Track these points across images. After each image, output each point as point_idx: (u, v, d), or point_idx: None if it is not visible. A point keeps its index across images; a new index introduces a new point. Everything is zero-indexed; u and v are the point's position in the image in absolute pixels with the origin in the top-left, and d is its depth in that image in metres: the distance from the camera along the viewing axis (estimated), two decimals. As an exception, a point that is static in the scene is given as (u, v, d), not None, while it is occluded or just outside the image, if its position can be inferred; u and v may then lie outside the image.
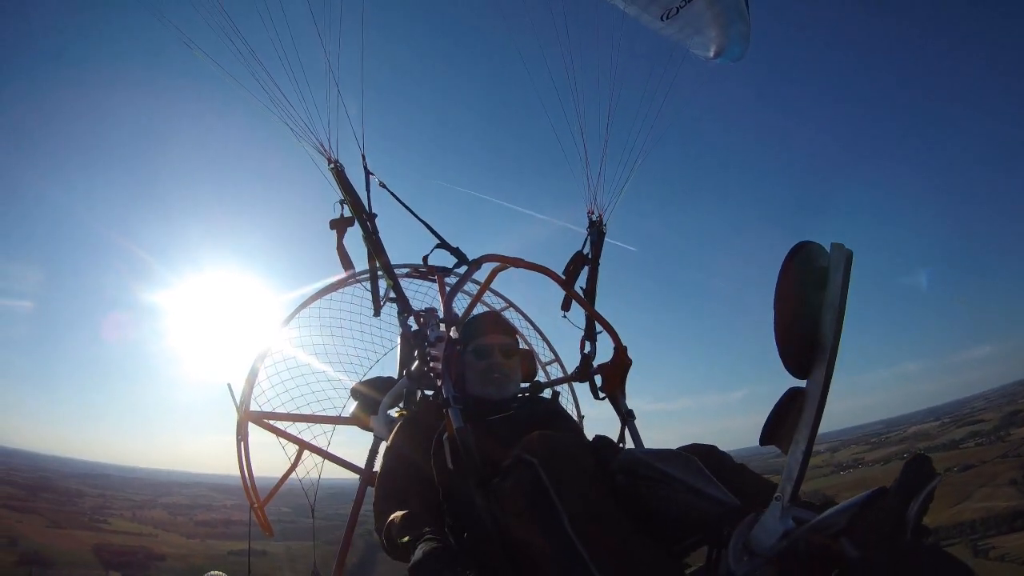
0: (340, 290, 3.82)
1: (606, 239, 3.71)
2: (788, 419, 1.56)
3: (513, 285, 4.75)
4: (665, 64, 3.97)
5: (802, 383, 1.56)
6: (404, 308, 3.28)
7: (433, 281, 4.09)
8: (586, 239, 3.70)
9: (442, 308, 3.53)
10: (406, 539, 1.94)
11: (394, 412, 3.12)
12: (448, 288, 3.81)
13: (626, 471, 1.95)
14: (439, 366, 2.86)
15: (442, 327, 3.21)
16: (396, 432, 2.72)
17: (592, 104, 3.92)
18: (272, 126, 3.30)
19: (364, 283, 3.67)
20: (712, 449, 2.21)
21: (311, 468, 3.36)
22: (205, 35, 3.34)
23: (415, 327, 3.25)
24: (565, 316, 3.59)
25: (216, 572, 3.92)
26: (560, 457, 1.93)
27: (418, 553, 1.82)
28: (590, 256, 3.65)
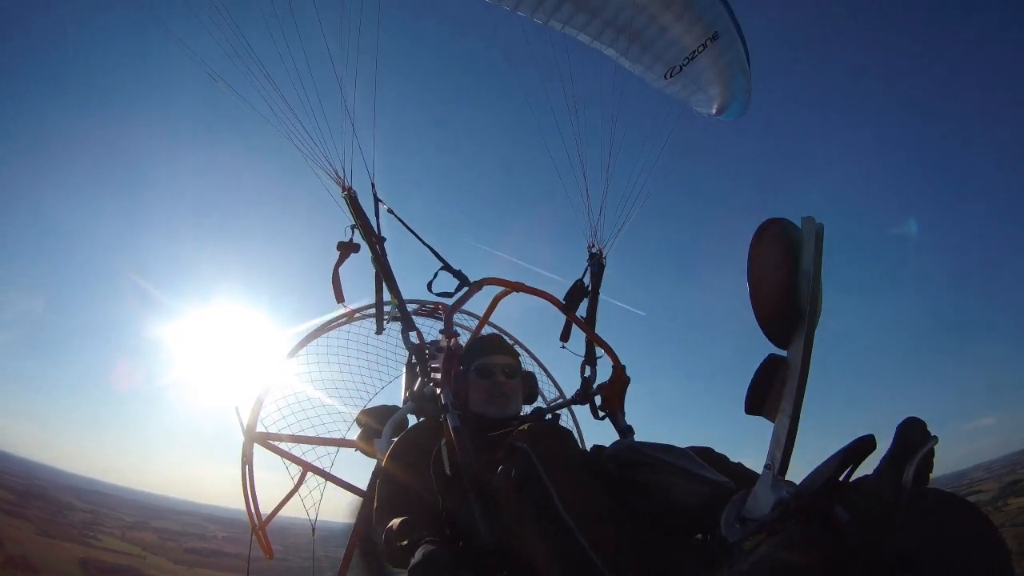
0: (348, 322, 3.91)
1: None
2: (772, 389, 1.58)
3: (517, 323, 4.85)
4: (665, 115, 4.17)
5: (783, 352, 1.58)
6: (408, 326, 3.32)
7: (439, 319, 4.13)
8: (586, 270, 3.83)
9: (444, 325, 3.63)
10: (405, 543, 1.94)
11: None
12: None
13: (617, 459, 1.96)
14: (439, 376, 2.92)
15: (442, 339, 3.31)
16: (395, 444, 2.73)
17: (594, 143, 4.12)
18: (289, 155, 3.48)
19: (369, 316, 3.75)
20: (709, 450, 2.21)
21: (313, 488, 3.40)
22: (227, 68, 3.54)
23: (417, 342, 3.29)
24: (564, 347, 3.68)
25: None
26: (550, 441, 1.97)
27: (417, 556, 1.83)
28: (590, 287, 3.78)
